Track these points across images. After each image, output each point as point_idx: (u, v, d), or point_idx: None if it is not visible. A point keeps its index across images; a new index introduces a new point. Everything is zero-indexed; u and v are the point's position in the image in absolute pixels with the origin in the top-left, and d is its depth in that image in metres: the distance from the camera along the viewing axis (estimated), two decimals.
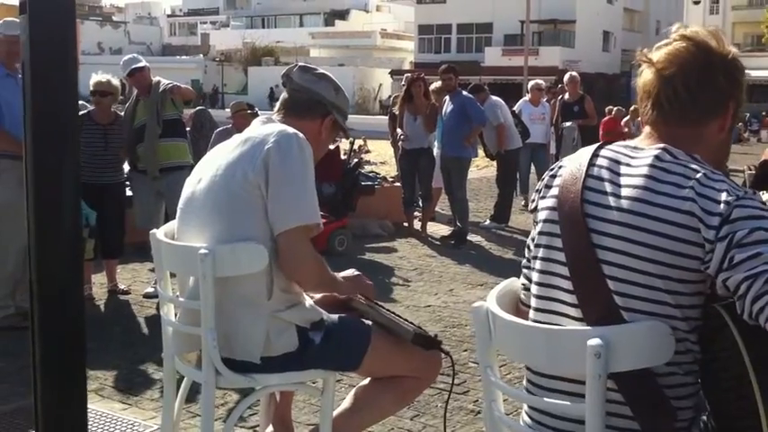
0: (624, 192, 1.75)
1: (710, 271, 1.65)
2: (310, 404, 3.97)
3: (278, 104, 2.78)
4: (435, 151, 9.33)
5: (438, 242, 8.96)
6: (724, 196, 1.65)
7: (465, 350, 4.98)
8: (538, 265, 1.88)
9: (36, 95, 2.08)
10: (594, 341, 1.62)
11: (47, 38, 2.07)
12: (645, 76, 1.87)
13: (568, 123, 11.51)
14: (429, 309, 6.10)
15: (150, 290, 6.26)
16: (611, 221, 1.75)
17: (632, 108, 16.83)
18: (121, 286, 6.39)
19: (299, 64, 2.86)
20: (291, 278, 2.51)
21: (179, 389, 2.81)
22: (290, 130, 2.54)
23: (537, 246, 1.90)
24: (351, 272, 2.77)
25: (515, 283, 2.05)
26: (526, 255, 1.98)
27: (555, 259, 1.83)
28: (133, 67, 6.27)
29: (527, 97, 11.77)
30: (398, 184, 9.83)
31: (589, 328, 1.69)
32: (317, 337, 2.52)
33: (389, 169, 13.57)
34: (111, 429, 3.72)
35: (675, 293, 1.70)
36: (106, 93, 6.14)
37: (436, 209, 10.20)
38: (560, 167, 1.93)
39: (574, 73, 12.10)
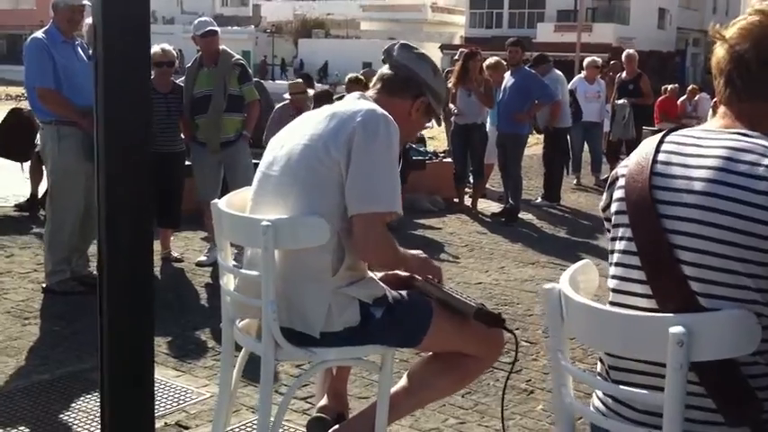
0: (696, 174, 1.69)
1: None
2: (361, 377, 3.96)
3: (375, 79, 2.74)
4: (488, 127, 9.22)
5: (488, 219, 8.88)
6: None
7: (517, 329, 4.91)
8: (615, 259, 1.82)
9: (109, 60, 2.05)
10: (677, 329, 1.55)
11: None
12: (718, 54, 1.79)
13: (621, 101, 11.30)
14: (480, 286, 6.05)
15: (203, 258, 6.32)
16: (683, 205, 1.68)
17: (690, 88, 16.47)
18: (174, 254, 6.44)
19: (401, 42, 2.81)
20: (363, 260, 2.49)
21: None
22: (379, 110, 2.47)
23: (612, 239, 1.84)
24: (419, 252, 2.72)
25: (589, 265, 1.99)
26: (609, 260, 1.91)
27: (628, 251, 1.77)
28: (209, 29, 6.27)
29: (582, 74, 11.55)
30: (449, 159, 9.75)
31: (670, 315, 1.62)
32: (378, 313, 2.48)
33: (439, 144, 13.47)
34: (165, 396, 3.74)
35: (756, 277, 1.62)
36: (171, 62, 6.24)
37: (486, 185, 10.10)
38: (626, 165, 1.86)
39: (632, 51, 11.83)
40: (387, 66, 2.73)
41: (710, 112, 14.92)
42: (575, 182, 11.41)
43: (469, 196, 9.46)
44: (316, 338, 2.44)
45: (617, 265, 1.81)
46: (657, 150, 1.78)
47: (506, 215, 8.79)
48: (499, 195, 9.77)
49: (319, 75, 43.90)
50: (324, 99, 8.37)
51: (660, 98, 14.58)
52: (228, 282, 2.66)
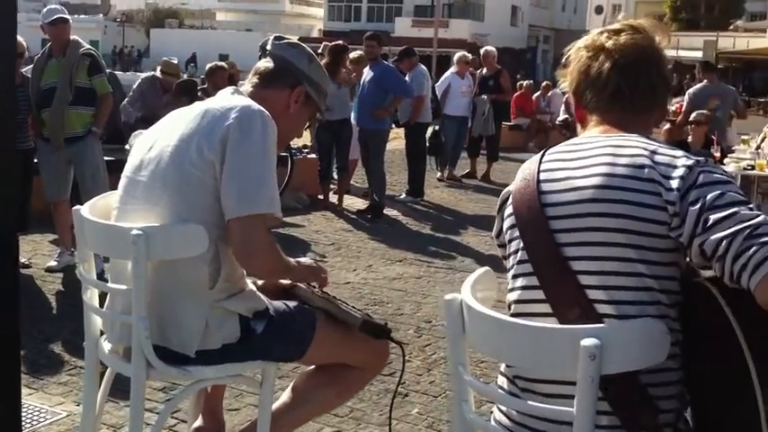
0: (580, 174, 1.72)
1: (684, 239, 1.61)
2: (230, 387, 3.74)
3: (250, 74, 2.56)
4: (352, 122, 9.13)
5: (354, 216, 8.79)
6: (682, 161, 1.65)
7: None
8: (513, 272, 1.80)
9: None
10: (590, 341, 1.49)
11: None
12: (599, 65, 1.83)
13: (482, 96, 11.47)
14: (349, 285, 5.94)
15: (53, 263, 5.92)
16: (570, 203, 1.70)
17: (543, 84, 17.01)
18: (22, 259, 5.98)
19: (275, 34, 2.66)
20: (244, 268, 2.31)
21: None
22: (255, 106, 2.30)
23: (508, 255, 1.84)
24: (306, 260, 2.59)
25: (489, 273, 1.92)
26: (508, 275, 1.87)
27: (522, 260, 1.76)
28: (58, 16, 5.84)
29: (454, 69, 11.50)
30: (313, 155, 9.58)
31: (581, 326, 1.56)
32: (259, 327, 2.31)
33: (300, 140, 13.29)
34: None
35: (650, 263, 1.64)
36: (21, 53, 5.75)
37: (350, 182, 10.02)
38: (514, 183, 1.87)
39: (490, 47, 12.04)
40: (262, 60, 2.57)
41: (563, 107, 15.54)
42: (438, 176, 11.49)
43: (334, 193, 9.33)
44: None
45: (515, 277, 1.79)
46: (540, 162, 1.80)
47: (371, 212, 8.73)
48: (364, 192, 9.70)
49: (187, 66, 42.57)
50: (187, 89, 7.99)
51: (516, 94, 14.95)
52: (92, 296, 2.42)
